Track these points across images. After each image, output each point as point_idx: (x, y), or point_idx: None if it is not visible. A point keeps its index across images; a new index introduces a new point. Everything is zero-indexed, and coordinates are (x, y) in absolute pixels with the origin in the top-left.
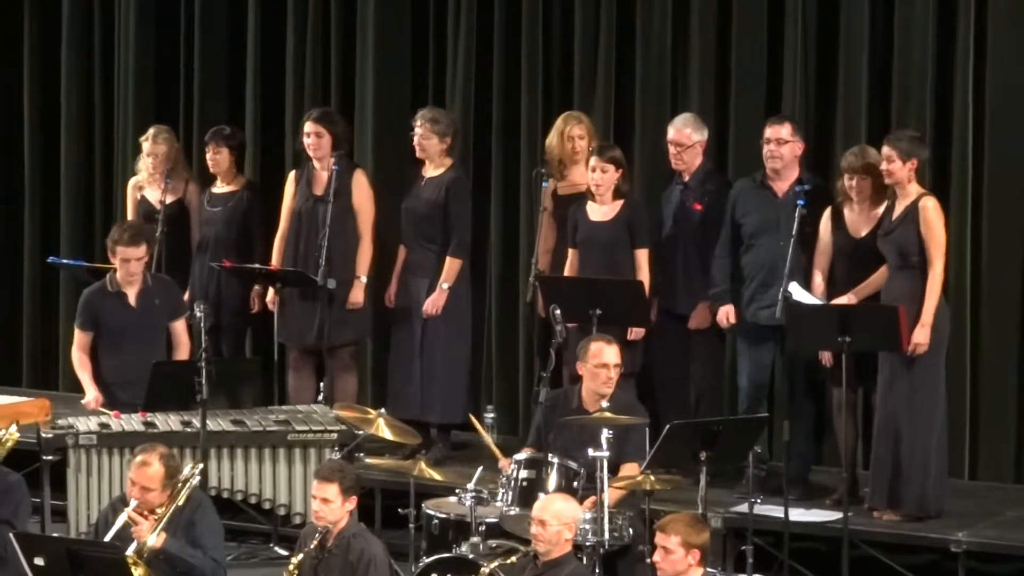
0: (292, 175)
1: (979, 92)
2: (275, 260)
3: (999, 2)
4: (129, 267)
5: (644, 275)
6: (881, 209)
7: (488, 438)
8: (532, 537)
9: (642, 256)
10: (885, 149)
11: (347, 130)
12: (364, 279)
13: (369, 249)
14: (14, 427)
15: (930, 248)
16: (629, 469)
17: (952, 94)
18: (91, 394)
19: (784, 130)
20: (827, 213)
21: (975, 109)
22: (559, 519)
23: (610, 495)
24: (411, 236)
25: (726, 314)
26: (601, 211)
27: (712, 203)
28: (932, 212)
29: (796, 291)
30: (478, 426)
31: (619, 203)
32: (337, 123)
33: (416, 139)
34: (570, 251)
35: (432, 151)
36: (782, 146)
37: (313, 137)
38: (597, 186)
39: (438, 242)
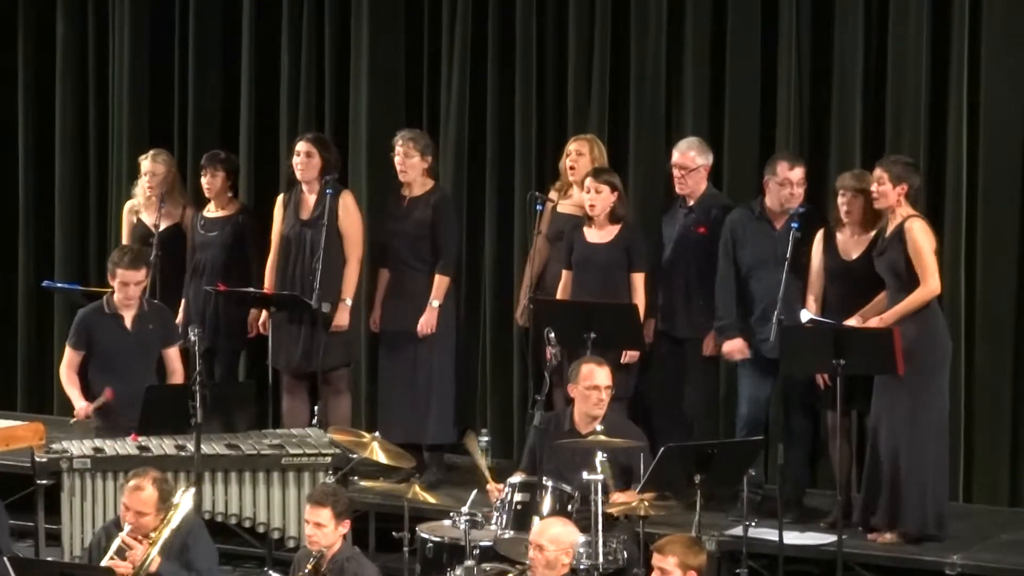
0: (280, 199)
1: (973, 115)
2: (266, 284)
3: (992, 24)
4: (128, 291)
5: (640, 299)
6: (873, 233)
7: (481, 460)
8: (529, 561)
9: (638, 280)
10: (877, 171)
11: (338, 157)
12: (349, 302)
13: (355, 272)
14: None
15: (917, 269)
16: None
17: (946, 117)
18: (80, 404)
19: (801, 170)
20: (819, 236)
21: (969, 131)
22: (557, 544)
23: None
24: (399, 258)
25: (735, 349)
26: (599, 234)
27: (716, 228)
28: (918, 233)
29: (806, 316)
30: (473, 447)
31: (617, 227)
32: (329, 148)
33: (399, 160)
34: (564, 272)
35: (415, 171)
36: (801, 187)
37: (303, 156)
38: (591, 206)
39: (427, 262)
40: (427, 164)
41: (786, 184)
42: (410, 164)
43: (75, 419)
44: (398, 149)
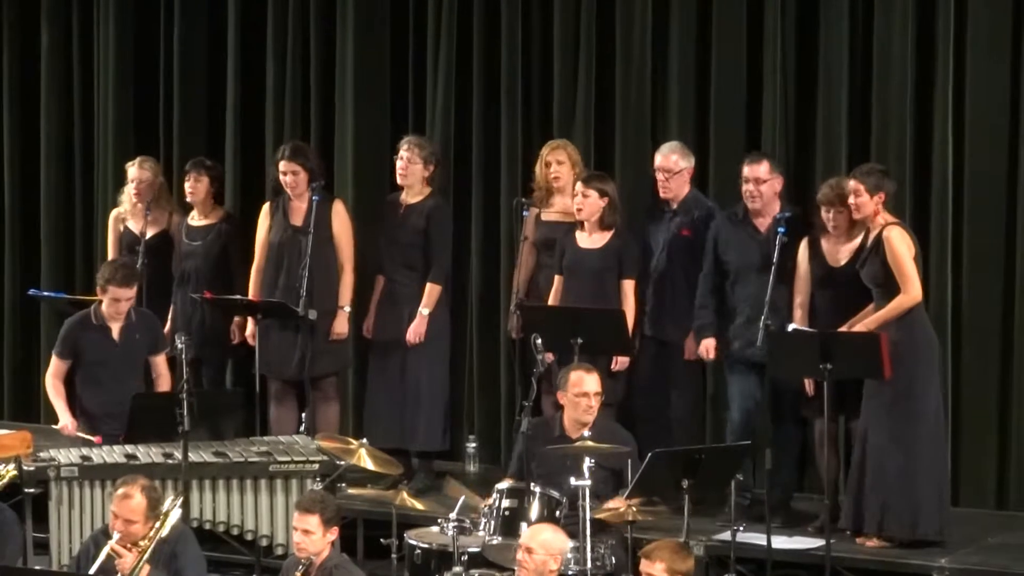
0: (266, 207)
1: (958, 121)
2: (252, 292)
3: (977, 32)
4: (119, 306)
5: (629, 305)
6: (859, 238)
7: (472, 496)
8: (517, 564)
9: (628, 287)
10: (852, 184)
11: (321, 162)
12: (348, 309)
13: (351, 279)
14: (11, 464)
15: (897, 276)
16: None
17: (932, 124)
18: (65, 419)
19: (762, 168)
20: (804, 243)
21: (955, 137)
22: (546, 549)
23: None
24: (392, 265)
25: (707, 348)
26: (590, 240)
27: (700, 229)
28: (896, 241)
29: (791, 327)
30: (456, 491)
31: (608, 233)
32: (310, 157)
33: (403, 164)
34: (556, 277)
35: (416, 177)
36: (760, 185)
37: (290, 176)
38: (579, 210)
39: (419, 269)
40: (428, 172)
41: (746, 180)
42: (412, 170)
43: (59, 430)
44: (402, 153)
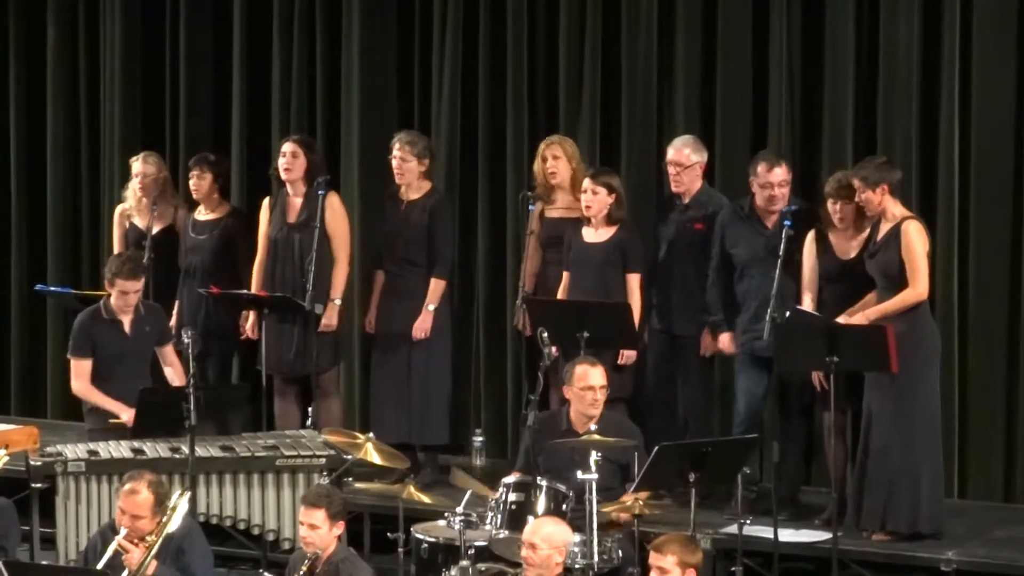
0: (266, 203)
1: (965, 117)
2: (254, 287)
3: (983, 26)
4: (127, 299)
5: (635, 299)
6: (867, 230)
7: (478, 486)
8: (522, 561)
9: (633, 280)
10: (855, 181)
11: (324, 159)
12: (338, 302)
13: (344, 272)
14: (2, 451)
15: (908, 271)
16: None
17: (938, 118)
18: (124, 414)
19: (782, 171)
20: (810, 236)
21: (961, 132)
22: (550, 543)
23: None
24: (394, 260)
25: (725, 342)
26: (596, 234)
27: (713, 224)
28: (913, 235)
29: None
30: (463, 481)
31: (614, 228)
32: (315, 150)
33: (396, 164)
34: (564, 273)
35: (411, 174)
36: (784, 188)
37: (288, 156)
38: (587, 208)
39: (422, 264)
40: (424, 168)
41: (767, 186)
42: (407, 168)
43: (125, 422)
44: (395, 152)
